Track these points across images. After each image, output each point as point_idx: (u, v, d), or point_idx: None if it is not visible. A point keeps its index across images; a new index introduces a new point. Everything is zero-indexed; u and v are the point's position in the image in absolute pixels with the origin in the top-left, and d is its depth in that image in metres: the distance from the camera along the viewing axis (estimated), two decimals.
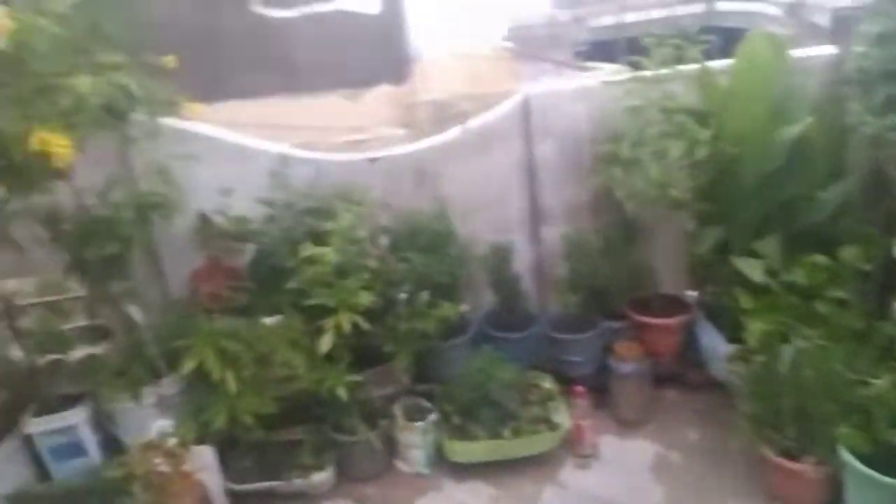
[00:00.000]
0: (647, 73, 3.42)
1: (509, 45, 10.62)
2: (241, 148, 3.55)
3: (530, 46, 10.31)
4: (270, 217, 3.38)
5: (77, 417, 3.40)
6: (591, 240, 3.82)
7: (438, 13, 9.52)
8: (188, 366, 3.19)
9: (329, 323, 3.20)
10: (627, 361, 3.75)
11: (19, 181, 2.30)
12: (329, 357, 3.30)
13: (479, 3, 10.56)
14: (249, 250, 3.44)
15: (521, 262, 3.89)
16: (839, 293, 3.21)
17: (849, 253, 3.30)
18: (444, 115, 6.67)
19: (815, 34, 3.52)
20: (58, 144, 2.14)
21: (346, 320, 3.19)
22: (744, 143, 3.26)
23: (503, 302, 3.87)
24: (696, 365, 3.94)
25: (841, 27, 3.76)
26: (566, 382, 3.82)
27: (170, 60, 2.93)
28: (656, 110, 3.37)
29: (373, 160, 3.69)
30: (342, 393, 3.31)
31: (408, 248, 3.50)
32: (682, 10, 20.40)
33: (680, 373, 4.02)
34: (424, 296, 3.44)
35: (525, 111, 3.72)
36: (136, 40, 2.69)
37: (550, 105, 3.68)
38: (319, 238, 3.25)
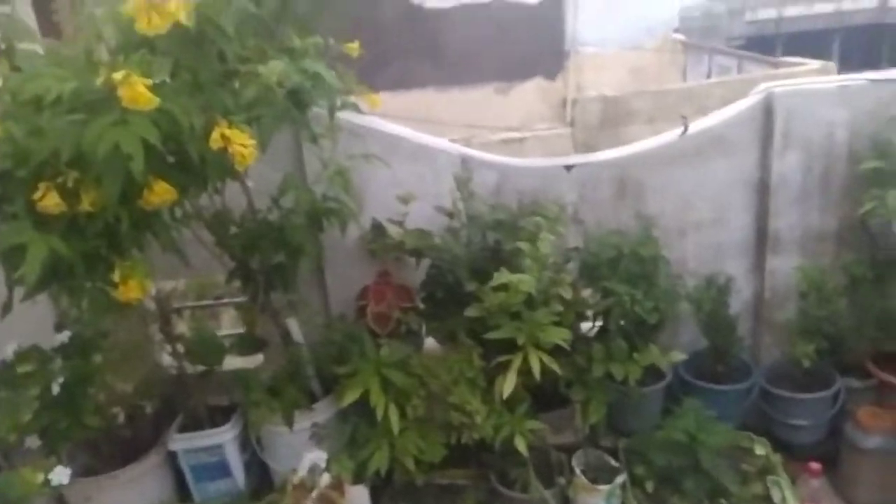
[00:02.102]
0: None
1: (679, 36, 9.68)
2: (422, 148, 3.09)
3: (700, 38, 9.35)
4: (451, 230, 2.90)
5: (225, 436, 3.10)
6: (832, 277, 3.06)
7: (601, 4, 8.81)
8: (350, 396, 2.78)
9: (515, 361, 2.69)
10: (873, 433, 2.97)
11: (193, 181, 1.93)
12: (505, 398, 2.79)
13: None
14: (423, 267, 2.98)
15: (738, 298, 3.19)
16: None
17: None
18: (614, 113, 6.00)
19: None
20: (241, 142, 1.74)
21: (535, 360, 2.66)
22: None
23: (713, 346, 3.19)
24: None
25: None
26: (785, 450, 3.11)
27: (354, 48, 2.50)
28: None
29: (569, 168, 3.12)
30: (521, 443, 2.79)
31: (607, 275, 2.90)
32: (850, 4, 18.45)
33: None
34: (625, 335, 2.85)
35: (765, 114, 3.01)
36: (325, 23, 2.27)
37: (800, 108, 2.95)
38: (507, 259, 2.74)
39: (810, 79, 3.28)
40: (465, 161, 3.09)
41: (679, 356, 2.91)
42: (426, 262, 2.96)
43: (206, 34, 1.76)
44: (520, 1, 8.38)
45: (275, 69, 1.83)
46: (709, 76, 8.03)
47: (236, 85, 1.88)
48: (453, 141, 3.68)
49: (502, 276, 2.55)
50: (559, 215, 2.83)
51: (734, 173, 3.15)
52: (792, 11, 18.10)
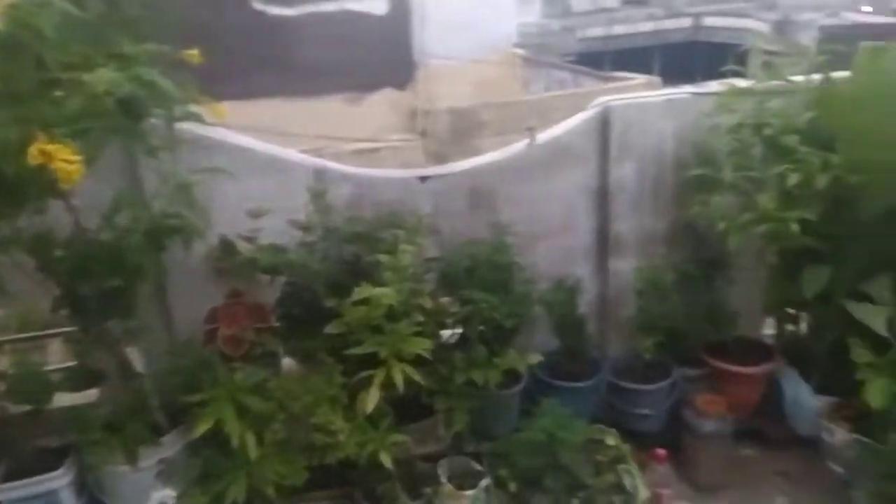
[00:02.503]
0: (748, 85, 2.94)
1: (520, 51, 10.15)
2: (273, 160, 2.97)
3: (541, 53, 9.87)
4: (306, 244, 2.80)
5: (58, 482, 2.78)
6: (666, 275, 3.31)
7: (446, 17, 9.03)
8: (202, 426, 2.60)
9: (378, 375, 2.64)
10: (709, 418, 3.25)
11: (8, 202, 1.70)
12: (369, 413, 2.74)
13: (485, 9, 10.08)
14: (278, 285, 2.86)
15: (585, 299, 3.37)
16: None
17: None
18: (464, 125, 6.16)
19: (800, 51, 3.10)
20: (65, 158, 1.56)
21: (398, 373, 2.63)
22: (869, 171, 2.78)
23: (565, 346, 3.34)
24: (775, 418, 3.46)
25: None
26: (633, 439, 3.32)
27: (193, 54, 2.34)
28: (762, 129, 2.89)
29: (424, 179, 3.14)
30: (386, 458, 2.75)
31: (465, 283, 2.95)
32: (670, 24, 20.33)
33: (757, 427, 3.53)
34: (485, 341, 2.91)
35: (602, 126, 3.20)
36: (158, 27, 2.11)
37: (633, 119, 3.17)
38: (367, 272, 2.70)
39: (641, 92, 3.55)
40: (320, 173, 3.01)
41: (536, 358, 3.01)
42: (281, 280, 2.85)
43: (21, 39, 1.56)
44: (367, 12, 8.38)
45: (103, 77, 1.66)
46: (548, 89, 8.50)
47: (59, 95, 1.69)
48: (304, 152, 3.58)
49: (364, 291, 2.50)
50: (417, 226, 2.84)
51: (578, 181, 3.33)
52: (618, 30, 19.68)
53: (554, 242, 3.36)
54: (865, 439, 2.84)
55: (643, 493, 3.02)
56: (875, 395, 2.78)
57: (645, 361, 3.34)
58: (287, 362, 2.95)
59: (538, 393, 3.25)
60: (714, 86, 3.19)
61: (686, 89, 3.27)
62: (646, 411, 3.34)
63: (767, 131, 2.88)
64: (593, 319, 3.49)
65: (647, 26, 19.75)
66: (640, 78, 6.52)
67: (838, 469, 3.09)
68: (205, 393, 2.63)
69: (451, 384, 2.89)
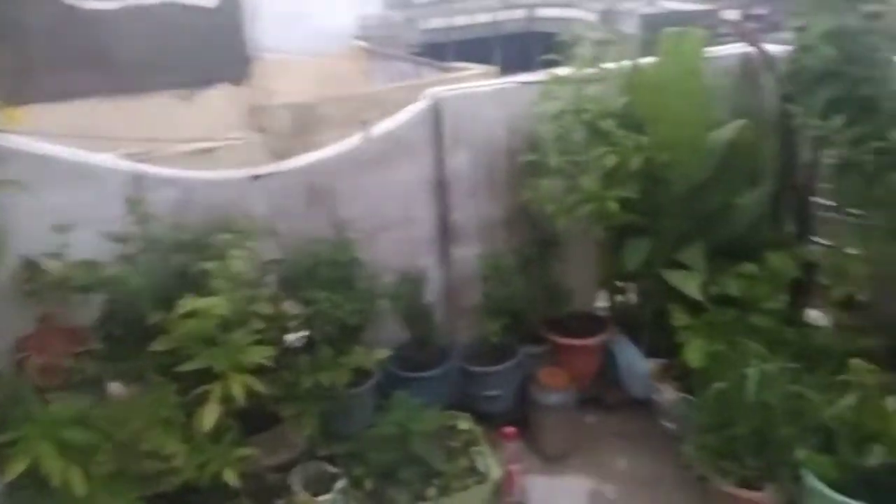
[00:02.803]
0: (568, 73, 3.09)
1: (362, 43, 10.05)
2: (82, 167, 2.71)
3: (381, 46, 9.85)
4: (126, 258, 2.59)
5: None
6: (508, 260, 3.42)
7: (281, 8, 8.73)
8: (16, 467, 2.33)
9: (216, 391, 2.51)
10: (553, 391, 3.41)
11: None
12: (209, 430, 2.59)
13: (321, 1, 9.87)
14: (98, 303, 2.62)
15: (431, 289, 3.41)
16: (775, 304, 3.09)
17: (776, 260, 3.20)
18: (305, 120, 6.00)
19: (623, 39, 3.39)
20: None
21: (237, 385, 2.51)
22: (675, 149, 3.02)
23: (414, 337, 3.36)
24: (613, 384, 3.70)
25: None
26: (485, 420, 3.41)
27: None
28: (581, 115, 3.05)
29: (256, 177, 3.01)
30: (231, 476, 2.61)
31: (307, 284, 2.87)
32: (504, 15, 21.05)
33: (597, 394, 3.76)
34: (330, 342, 2.85)
35: (435, 117, 3.23)
36: None
37: (464, 110, 3.22)
38: (196, 283, 2.54)
39: (471, 83, 3.62)
40: (138, 179, 2.79)
41: (383, 353, 3.00)
42: (100, 298, 2.61)
43: None
44: (195, 4, 7.91)
45: None
46: (391, 81, 8.51)
47: None
48: (129, 156, 3.31)
49: (190, 302, 2.35)
50: (250, 229, 2.71)
51: (416, 173, 3.34)
52: (459, 21, 20.11)
53: (396, 235, 3.36)
54: (688, 396, 3.09)
55: (495, 471, 3.11)
56: (693, 354, 3.04)
57: (492, 344, 3.43)
58: (115, 387, 2.72)
59: (391, 387, 3.24)
60: (540, 75, 3.32)
61: (514, 79, 3.38)
62: (496, 392, 3.44)
63: (586, 117, 3.03)
64: (441, 308, 3.53)
65: (486, 17, 20.35)
66: (478, 68, 6.70)
67: (670, 425, 3.35)
68: (15, 430, 2.36)
69: (298, 389, 2.81)
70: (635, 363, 3.61)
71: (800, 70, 2.82)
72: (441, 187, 3.36)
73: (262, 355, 2.58)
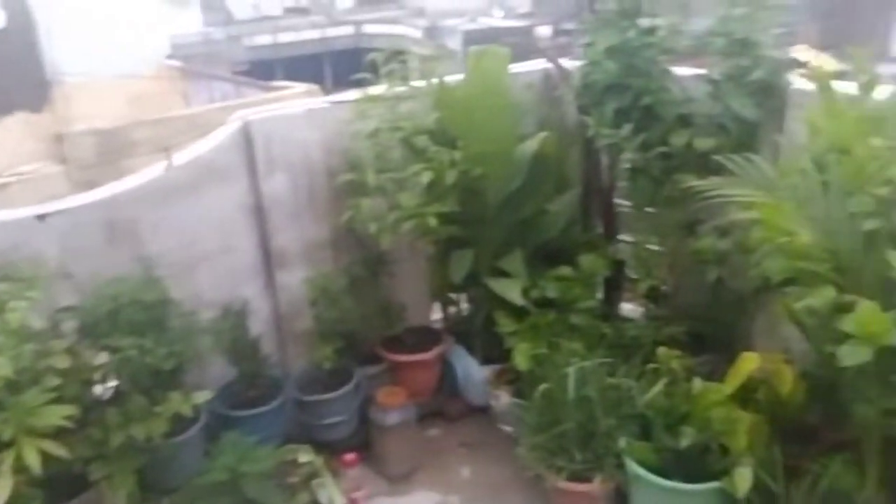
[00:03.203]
0: (380, 91, 3.09)
1: (175, 63, 9.50)
2: None
3: (202, 65, 9.35)
4: None
5: None
6: (336, 281, 3.35)
7: (83, 26, 8.02)
8: None
9: (6, 460, 2.21)
10: (392, 410, 3.38)
11: None
12: None
13: (128, 19, 9.22)
14: None
15: (258, 318, 3.26)
16: (590, 303, 3.28)
17: (588, 261, 3.40)
18: (113, 146, 5.52)
19: (448, 54, 3.58)
20: None
21: (31, 452, 2.23)
22: (487, 162, 3.12)
23: (242, 372, 3.19)
24: (453, 395, 3.75)
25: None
26: (328, 449, 3.31)
27: None
28: (395, 132, 3.06)
29: (42, 217, 2.70)
30: None
31: (109, 330, 2.61)
32: (333, 32, 21.05)
33: (439, 407, 3.79)
34: (143, 390, 2.62)
35: (246, 141, 3.09)
36: None
37: (276, 132, 3.11)
38: None
39: (282, 104, 3.52)
40: None
41: (205, 395, 2.81)
42: None
43: None
44: None
45: None
46: (211, 102, 8.13)
47: None
48: None
49: None
50: (34, 275, 2.43)
51: (232, 199, 3.17)
52: (285, 38, 19.75)
53: (215, 266, 3.17)
54: (520, 399, 3.19)
55: (339, 502, 3.03)
56: (520, 358, 3.15)
57: (327, 370, 3.34)
58: None
59: (221, 428, 3.05)
60: (354, 94, 3.29)
61: (326, 99, 3.32)
62: (335, 419, 3.35)
63: (401, 134, 3.05)
64: (270, 338, 3.38)
65: (313, 34, 20.17)
66: (301, 87, 6.57)
67: (508, 429, 3.45)
68: None
69: (108, 446, 2.55)
70: (472, 372, 3.68)
71: (590, 83, 3.02)
72: (260, 212, 3.22)
73: (59, 415, 2.31)
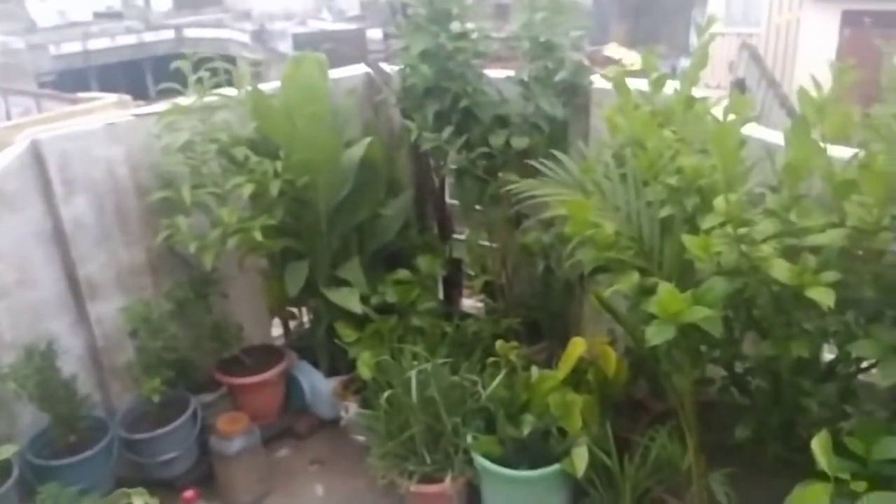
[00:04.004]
0: (189, 102, 2.90)
1: None
2: None
3: (9, 77, 8.33)
4: None
5: None
6: (158, 307, 3.11)
7: None
8: None
9: None
10: (235, 436, 3.20)
11: None
12: None
13: None
14: None
15: (71, 356, 2.95)
16: (431, 304, 3.30)
17: (425, 263, 3.43)
18: None
19: (279, 58, 3.51)
20: None
21: None
22: (312, 170, 3.04)
23: (56, 418, 2.87)
24: (301, 411, 3.64)
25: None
26: (167, 487, 3.08)
27: None
28: (211, 144, 2.90)
29: None
30: None
31: None
32: (152, 37, 19.79)
33: (288, 425, 3.65)
34: None
35: (37, 162, 2.77)
36: None
37: (73, 150, 2.82)
38: None
39: (77, 120, 3.21)
40: None
41: (8, 450, 2.49)
42: None
43: None
44: None
45: None
46: (9, 118, 7.29)
47: None
48: None
49: None
50: None
51: (26, 227, 2.84)
52: (98, 44, 18.23)
53: (13, 303, 2.83)
54: (366, 409, 3.15)
55: None
56: (363, 367, 3.11)
57: (158, 404, 3.10)
58: None
59: (39, 480, 2.74)
60: (160, 105, 3.07)
61: (129, 112, 3.07)
62: (171, 455, 3.12)
63: (216, 146, 2.89)
64: (88, 376, 3.09)
65: (130, 39, 18.81)
66: (111, 97, 6.05)
67: (360, 439, 3.40)
68: None
69: None
70: (318, 386, 3.59)
71: (409, 88, 3.04)
72: (61, 239, 2.91)
73: None
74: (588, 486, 2.68)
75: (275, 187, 2.86)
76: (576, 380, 2.92)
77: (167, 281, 3.22)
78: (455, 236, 3.85)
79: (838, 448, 1.96)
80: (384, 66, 3.63)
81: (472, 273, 3.73)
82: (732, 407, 2.55)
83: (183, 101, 2.96)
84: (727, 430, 2.47)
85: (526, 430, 2.78)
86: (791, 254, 1.89)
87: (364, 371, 3.10)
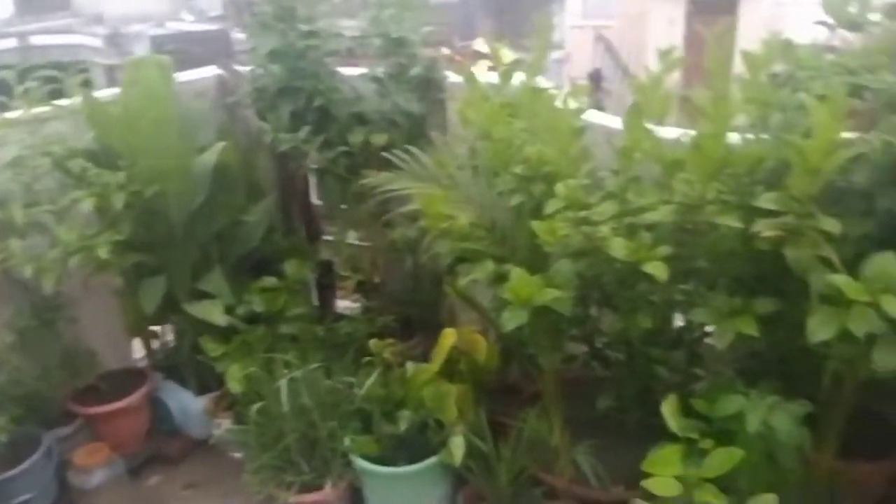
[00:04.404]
0: (17, 114, 2.67)
1: None
2: None
3: None
4: None
5: None
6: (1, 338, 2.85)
7: None
8: None
9: None
10: (95, 469, 3.00)
11: None
12: None
13: None
14: None
15: None
16: (300, 309, 3.23)
17: (292, 267, 3.35)
18: None
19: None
20: None
21: None
22: (162, 179, 2.88)
23: None
24: (171, 434, 3.45)
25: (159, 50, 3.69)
26: None
27: None
28: (44, 158, 2.68)
29: None
30: None
31: None
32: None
33: (157, 450, 3.45)
34: None
35: None
36: None
37: None
38: None
39: None
40: None
41: None
42: None
43: None
44: None
45: None
46: None
47: None
48: None
49: None
50: None
51: None
52: None
53: None
54: (239, 425, 3.03)
55: None
56: (232, 381, 2.99)
57: (5, 443, 2.83)
58: None
59: None
60: None
61: None
62: (23, 497, 2.87)
63: (48, 160, 2.68)
64: None
65: None
66: None
67: (236, 456, 3.26)
68: None
69: None
70: (188, 405, 3.42)
71: (261, 88, 2.95)
72: None
73: None
74: (467, 473, 2.72)
75: (119, 200, 2.68)
76: (450, 371, 2.94)
77: (6, 309, 2.95)
78: (325, 237, 3.79)
79: (688, 410, 2.10)
80: (238, 67, 3.50)
81: (345, 274, 3.69)
82: (596, 380, 2.67)
83: (10, 114, 2.71)
84: (592, 403, 2.59)
85: (403, 426, 2.78)
86: (631, 232, 1.99)
87: (233, 385, 2.98)
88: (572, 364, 2.76)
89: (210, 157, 3.02)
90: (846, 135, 1.82)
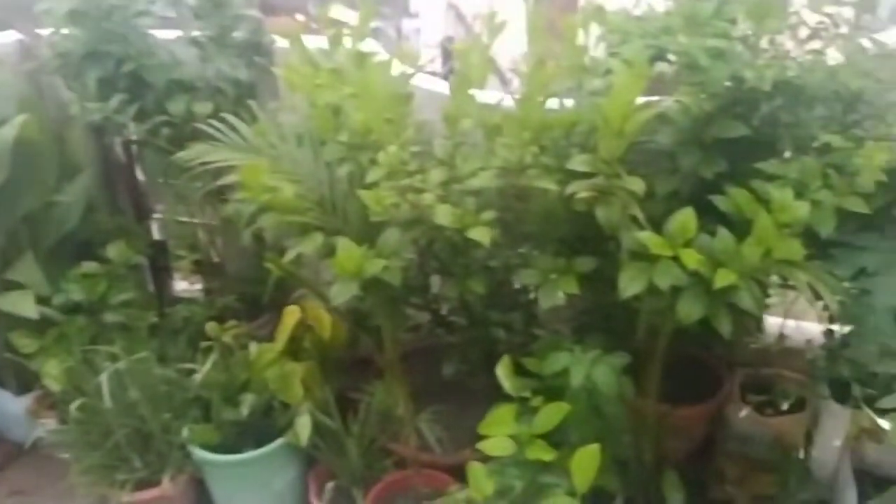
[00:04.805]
0: None
1: None
2: None
3: None
4: None
5: None
6: None
7: None
8: None
9: None
10: None
11: None
12: None
13: None
14: None
15: None
16: (127, 295, 2.99)
17: (116, 250, 3.09)
18: None
19: None
20: None
21: None
22: None
23: None
24: None
25: None
26: None
27: None
28: None
29: None
30: None
31: None
32: None
33: None
34: None
35: None
36: None
37: None
38: None
39: None
40: None
41: None
42: None
43: None
44: None
45: None
46: None
47: None
48: None
49: None
50: None
51: None
52: None
53: None
54: (58, 426, 2.79)
55: None
56: (50, 378, 2.75)
57: None
58: None
59: None
60: None
61: None
62: None
63: None
64: None
65: None
66: None
67: (65, 457, 3.00)
68: None
69: None
70: (8, 407, 3.12)
71: (64, 53, 2.65)
72: None
73: None
74: (316, 452, 2.66)
75: None
76: (295, 349, 2.86)
77: None
78: (156, 216, 3.52)
79: (523, 370, 2.15)
80: (42, 31, 3.13)
81: (180, 254, 3.45)
82: (444, 347, 2.68)
83: None
84: (439, 370, 2.60)
85: (245, 411, 2.66)
86: (460, 199, 1.98)
87: (51, 383, 2.72)
88: (419, 333, 2.76)
89: (8, 132, 2.69)
90: (651, 98, 1.91)
